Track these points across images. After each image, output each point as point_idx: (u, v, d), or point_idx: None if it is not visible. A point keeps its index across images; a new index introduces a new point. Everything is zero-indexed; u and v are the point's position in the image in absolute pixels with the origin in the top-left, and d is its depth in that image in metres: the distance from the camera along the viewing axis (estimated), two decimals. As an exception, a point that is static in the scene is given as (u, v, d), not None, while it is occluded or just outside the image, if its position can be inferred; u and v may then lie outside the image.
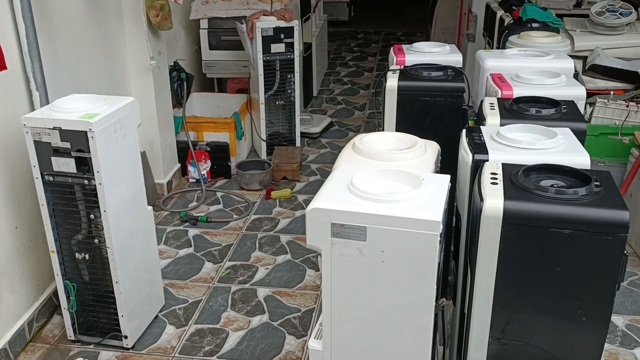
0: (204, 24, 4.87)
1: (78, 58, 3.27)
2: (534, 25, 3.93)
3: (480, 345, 1.69)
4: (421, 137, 2.14)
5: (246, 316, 2.96)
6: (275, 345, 2.76)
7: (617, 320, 2.89)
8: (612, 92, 3.81)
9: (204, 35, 4.91)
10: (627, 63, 3.96)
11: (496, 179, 1.65)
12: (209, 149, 4.42)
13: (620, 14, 4.05)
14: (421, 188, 1.66)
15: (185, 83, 4.45)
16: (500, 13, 4.55)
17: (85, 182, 2.41)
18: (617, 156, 3.70)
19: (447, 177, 1.79)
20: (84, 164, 2.38)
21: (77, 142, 2.34)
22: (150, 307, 2.89)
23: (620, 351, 2.68)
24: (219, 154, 4.44)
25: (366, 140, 2.07)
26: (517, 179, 1.63)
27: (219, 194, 4.25)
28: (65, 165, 2.38)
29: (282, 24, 4.44)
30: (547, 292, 1.58)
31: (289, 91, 4.71)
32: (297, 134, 4.84)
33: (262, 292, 3.15)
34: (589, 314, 1.56)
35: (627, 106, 3.64)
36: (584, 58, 4.14)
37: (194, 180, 4.40)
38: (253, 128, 4.84)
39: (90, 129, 2.30)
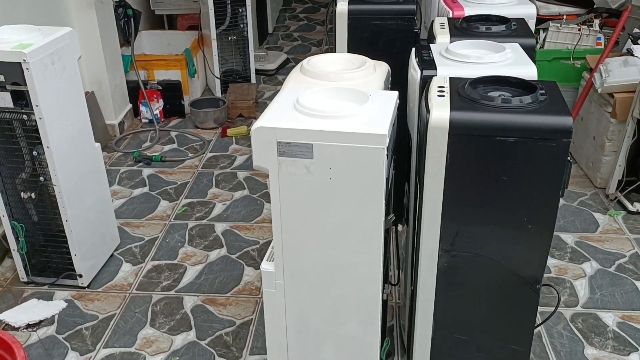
0: (148, -44, 4.64)
1: (11, -10, 3.08)
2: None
3: (430, 258, 1.70)
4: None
5: (204, 251, 2.94)
6: (234, 277, 2.76)
7: (567, 237, 2.98)
8: (564, 17, 3.80)
9: (149, -31, 4.69)
10: (580, -13, 3.95)
11: (443, 91, 1.63)
12: (160, 88, 4.29)
13: (574, -64, 4.00)
14: (368, 104, 1.63)
15: (132, 20, 4.26)
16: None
17: (25, 117, 2.31)
18: (570, 81, 3.73)
19: (395, 93, 1.76)
20: (22, 98, 2.27)
21: (11, 74, 2.22)
22: (104, 246, 2.84)
23: (570, 266, 2.78)
24: (171, 92, 4.32)
25: (314, 62, 2.02)
26: (463, 90, 1.61)
27: (173, 134, 4.16)
28: (0, 99, 2.26)
29: (231, -46, 4.26)
30: (494, 202, 1.59)
31: (242, 26, 4.57)
32: (252, 70, 4.73)
33: (219, 227, 3.13)
34: (534, 221, 1.59)
35: (579, 30, 3.64)
36: (538, -17, 4.11)
37: (147, 121, 4.28)
38: (206, 66, 4.71)
39: (24, 60, 2.18)
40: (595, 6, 3.88)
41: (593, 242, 2.95)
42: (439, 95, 1.61)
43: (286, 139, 1.56)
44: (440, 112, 1.53)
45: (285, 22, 6.54)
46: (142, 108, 4.27)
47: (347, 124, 1.55)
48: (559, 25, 3.69)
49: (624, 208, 3.18)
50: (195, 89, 4.55)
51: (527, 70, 1.80)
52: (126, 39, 4.27)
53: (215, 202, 3.34)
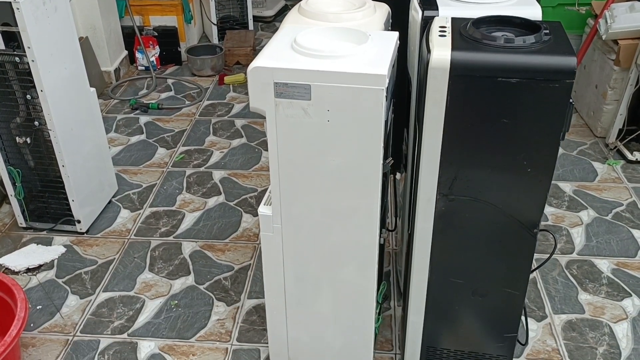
0: None
1: None
2: None
3: (428, 203, 1.69)
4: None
5: (202, 198, 2.94)
6: (232, 223, 2.77)
7: (565, 186, 2.98)
8: (571, -39, 3.69)
9: None
10: None
11: (444, 31, 1.59)
12: (156, 34, 4.21)
13: None
14: (367, 44, 1.59)
15: (125, -38, 4.14)
16: None
17: (17, 59, 2.26)
18: (574, 28, 3.66)
19: (395, 33, 1.71)
20: (13, 40, 2.22)
21: (1, 14, 2.16)
22: (102, 192, 2.84)
23: (567, 214, 2.78)
24: (167, 39, 4.24)
25: (313, 2, 1.96)
26: (466, 31, 1.56)
27: (169, 81, 4.10)
28: (-9, 41, 2.21)
29: None
30: (494, 145, 1.57)
31: (239, -30, 4.45)
32: (250, 16, 4.63)
33: (217, 175, 3.12)
34: (534, 165, 1.57)
35: (586, -26, 3.54)
36: None
37: (143, 68, 4.22)
38: (203, 12, 4.60)
39: (14, 0, 2.12)
40: (602, -50, 3.76)
41: (591, 190, 2.94)
42: (440, 35, 1.57)
43: (283, 79, 1.53)
44: (441, 52, 1.49)
45: (284, -33, 6.36)
46: (138, 55, 4.20)
47: (346, 64, 1.52)
48: (564, -31, 3.58)
49: (623, 157, 3.17)
50: (191, 36, 4.46)
51: (532, 11, 1.75)
52: (120, -18, 4.16)
53: (212, 150, 3.32)
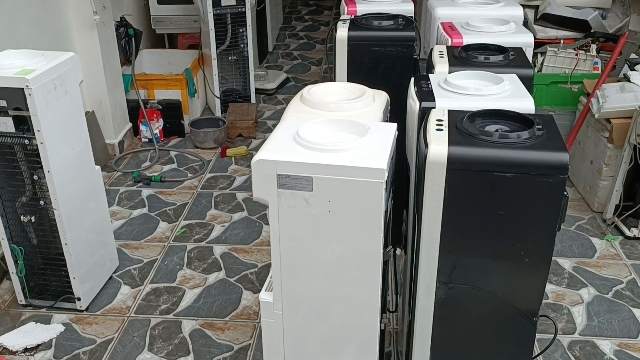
0: (151, -23, 4.69)
1: (14, 13, 3.11)
2: (486, -27, 3.89)
3: (428, 290, 1.71)
4: (373, 87, 2.11)
5: (202, 274, 2.95)
6: (232, 300, 2.76)
7: (565, 263, 2.99)
8: (562, 41, 3.84)
9: (151, -11, 4.73)
10: (577, 12, 3.99)
11: (441, 125, 1.65)
12: (160, 107, 4.31)
13: (571, -39, 4.05)
14: (367, 137, 1.64)
15: (133, 39, 4.29)
16: (453, -38, 4.49)
17: (26, 141, 2.32)
18: (567, 104, 3.76)
19: (394, 125, 1.78)
20: (23, 123, 2.29)
21: (14, 99, 2.24)
22: (103, 268, 2.85)
23: (567, 292, 2.78)
24: (171, 112, 4.34)
25: (314, 91, 2.04)
26: (462, 124, 1.63)
27: (172, 153, 4.18)
28: (2, 124, 2.28)
29: (232, -25, 4.31)
30: (491, 235, 1.60)
31: (242, 46, 4.61)
32: (252, 90, 4.76)
33: (218, 250, 3.13)
34: (531, 255, 1.60)
35: (576, 55, 3.68)
36: (536, 7, 4.15)
37: (147, 140, 4.30)
38: (206, 85, 4.74)
39: (27, 86, 2.20)
40: (592, 30, 3.92)
41: (590, 267, 2.96)
42: (437, 129, 1.63)
43: (286, 171, 1.58)
44: (438, 147, 1.55)
45: (285, 40, 6.59)
46: (142, 127, 4.29)
47: (347, 157, 1.57)
48: (556, 49, 3.72)
49: (621, 233, 3.19)
50: (195, 109, 4.57)
51: (525, 103, 1.82)
52: (127, 58, 4.31)
53: (214, 224, 3.35)
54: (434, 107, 1.82)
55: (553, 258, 2.97)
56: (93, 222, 2.72)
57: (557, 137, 1.57)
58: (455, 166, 1.53)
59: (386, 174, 1.54)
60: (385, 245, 1.70)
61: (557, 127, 1.62)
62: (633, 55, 3.59)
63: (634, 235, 3.14)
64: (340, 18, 2.86)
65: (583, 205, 3.48)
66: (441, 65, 2.19)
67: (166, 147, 4.26)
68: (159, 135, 4.31)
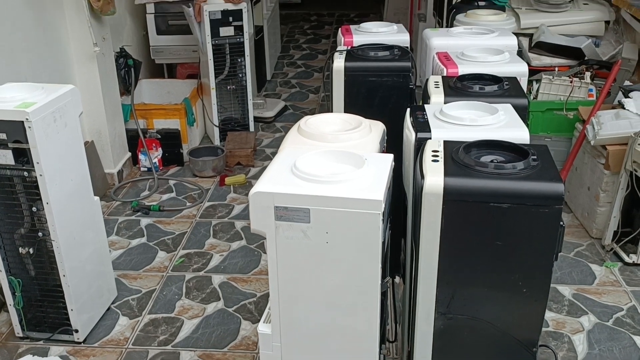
0: (150, 8, 4.75)
1: (15, 46, 3.15)
2: (481, 3, 3.96)
3: (427, 321, 1.71)
4: (370, 117, 2.13)
5: (201, 304, 2.94)
6: (230, 331, 2.75)
7: (564, 290, 2.98)
8: (556, 69, 3.88)
9: (150, 20, 4.79)
10: (571, 40, 4.05)
11: (437, 156, 1.66)
12: (159, 137, 4.34)
13: (563, -9, 4.12)
14: (364, 168, 1.66)
15: (132, 70, 4.34)
16: (448, -8, 4.57)
17: (25, 173, 2.34)
18: (563, 131, 3.78)
19: (390, 156, 1.79)
20: (23, 155, 2.30)
21: (14, 132, 2.25)
22: (101, 299, 2.83)
23: (567, 320, 2.77)
24: (170, 141, 4.37)
25: (311, 122, 2.06)
26: (457, 155, 1.64)
27: (171, 182, 4.19)
28: (2, 157, 2.30)
29: (230, 6, 4.37)
30: (489, 266, 1.61)
31: (240, 75, 4.65)
32: (251, 118, 4.79)
33: (217, 279, 3.12)
34: (529, 285, 1.60)
35: (571, 82, 3.72)
36: (530, 35, 4.21)
37: (146, 169, 4.32)
38: (205, 114, 4.77)
39: (27, 119, 2.22)
40: (586, 58, 3.97)
41: (590, 294, 2.95)
42: (433, 160, 1.64)
43: (283, 203, 1.59)
44: (434, 178, 1.56)
45: (284, 68, 6.66)
46: (141, 156, 4.31)
47: (344, 189, 1.58)
48: (551, 77, 3.76)
49: (620, 259, 3.19)
50: (194, 137, 4.60)
51: (520, 133, 1.84)
52: (126, 88, 4.35)
53: (212, 253, 3.34)
54: (430, 138, 1.84)
55: (553, 285, 2.99)
56: (91, 252, 2.72)
57: (552, 167, 1.58)
58: (452, 197, 1.54)
59: (383, 205, 1.55)
60: (384, 276, 1.70)
61: (552, 157, 1.64)
62: (627, 82, 3.63)
63: (633, 261, 3.14)
64: (337, 49, 2.90)
65: (582, 232, 3.48)
66: (437, 95, 2.22)
67: (165, 176, 4.28)
68: (158, 164, 4.32)
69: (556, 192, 1.49)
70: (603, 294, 2.95)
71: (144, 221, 3.68)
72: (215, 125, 4.64)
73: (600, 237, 3.35)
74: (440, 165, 1.61)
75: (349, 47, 2.91)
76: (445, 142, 1.76)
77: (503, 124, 1.91)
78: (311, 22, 8.67)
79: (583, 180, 3.50)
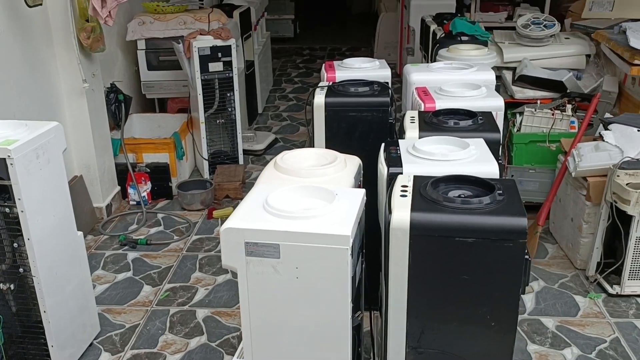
0: (141, 44, 4.84)
1: (3, 82, 3.21)
2: (463, 38, 4.05)
3: (398, 355, 1.72)
4: (350, 151, 2.17)
5: (184, 338, 2.93)
6: (212, 366, 2.74)
7: (548, 322, 2.98)
8: (539, 101, 3.94)
9: (141, 56, 4.87)
10: (553, 73, 4.12)
11: (406, 191, 1.69)
12: (148, 170, 4.37)
13: (545, 26, 4.21)
14: (334, 203, 1.69)
15: (123, 105, 4.40)
16: (433, 27, 4.68)
17: (7, 210, 2.36)
18: (547, 162, 3.83)
19: (362, 191, 1.82)
20: (4, 192, 2.33)
21: (-5, 170, 2.29)
22: (83, 334, 2.83)
23: (550, 352, 2.76)
24: (159, 174, 4.40)
25: (287, 158, 2.10)
26: (425, 191, 1.67)
27: (160, 216, 4.21)
28: (-16, 193, 2.32)
29: (219, 42, 4.46)
30: (457, 299, 1.62)
31: (230, 109, 4.72)
32: (240, 151, 4.84)
33: (201, 313, 3.12)
34: (497, 319, 1.61)
35: (553, 114, 3.78)
36: (514, 69, 4.29)
37: (135, 203, 4.34)
38: (195, 147, 4.82)
39: (9, 156, 2.25)
40: (568, 90, 4.03)
41: (574, 326, 2.95)
42: (401, 195, 1.67)
43: (254, 239, 1.61)
44: (401, 213, 1.59)
45: (275, 102, 6.75)
46: (130, 190, 4.34)
47: (313, 224, 1.61)
48: (533, 109, 3.83)
49: (604, 290, 3.19)
50: (183, 171, 4.64)
51: (489, 168, 1.88)
52: (117, 122, 4.40)
53: (197, 287, 3.35)
54: (401, 173, 1.88)
55: (536, 317, 2.99)
56: (74, 288, 2.72)
57: (517, 201, 1.61)
58: (418, 232, 1.57)
59: (351, 240, 1.57)
60: (355, 310, 1.72)
61: (518, 192, 1.67)
62: (607, 115, 3.69)
63: (617, 292, 3.15)
64: (319, 84, 2.96)
65: (566, 263, 3.49)
66: (411, 130, 2.26)
67: (154, 209, 4.30)
68: (147, 197, 4.35)
69: (519, 226, 1.52)
70: (587, 326, 2.95)
71: (131, 255, 3.69)
72: (205, 159, 4.69)
73: (585, 268, 3.36)
74: (408, 200, 1.64)
75: (331, 83, 2.97)
76: (415, 177, 1.79)
77: (474, 158, 1.95)
78: (303, 55, 8.81)
79: (567, 211, 3.53)
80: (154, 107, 5.32)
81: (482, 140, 2.09)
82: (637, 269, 3.12)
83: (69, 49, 3.68)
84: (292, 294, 1.64)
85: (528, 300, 3.15)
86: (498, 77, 4.36)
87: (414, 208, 1.60)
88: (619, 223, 3.05)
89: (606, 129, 3.41)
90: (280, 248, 1.60)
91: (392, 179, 1.86)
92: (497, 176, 1.84)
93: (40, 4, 3.17)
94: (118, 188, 4.36)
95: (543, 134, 3.79)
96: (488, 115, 2.38)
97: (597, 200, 3.19)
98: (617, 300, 3.13)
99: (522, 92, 4.13)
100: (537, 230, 3.53)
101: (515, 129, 3.91)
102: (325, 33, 10.23)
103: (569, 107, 3.83)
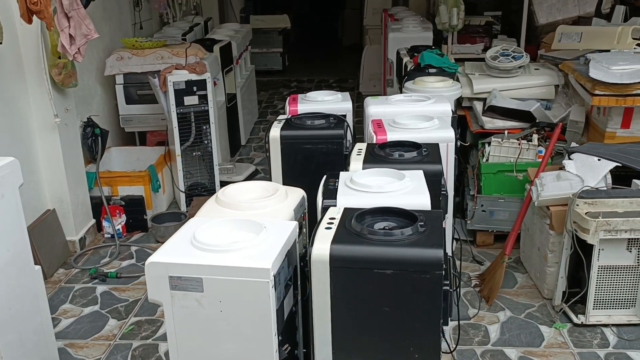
0: (119, 79, 4.91)
1: (-29, 119, 3.26)
2: (431, 70, 4.10)
3: (327, 389, 1.71)
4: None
5: (143, 373, 2.91)
6: (168, 401, 2.71)
7: (511, 353, 2.96)
8: (506, 132, 3.97)
9: (120, 91, 4.93)
10: (521, 103, 4.15)
11: (332, 224, 1.71)
12: (123, 203, 4.40)
13: (513, 57, 4.27)
14: (260, 236, 1.70)
15: (99, 138, 4.45)
16: (405, 59, 4.74)
17: (-42, 245, 2.38)
18: (515, 192, 3.84)
19: (294, 223, 1.84)
20: (-45, 227, 2.35)
21: (-55, 205, 2.31)
22: (41, 370, 2.81)
23: (509, 384, 2.74)
24: (134, 207, 4.42)
25: (229, 191, 2.12)
26: (349, 223, 1.69)
27: (133, 249, 4.22)
28: None
29: (194, 77, 4.52)
30: (380, 332, 1.62)
31: (206, 142, 4.76)
32: (217, 183, 4.87)
33: (163, 347, 3.10)
34: (420, 350, 1.61)
35: (519, 144, 3.80)
36: (484, 100, 4.33)
37: (109, 236, 4.35)
38: (173, 180, 4.85)
39: (-42, 192, 2.28)
40: (537, 120, 4.07)
41: (537, 357, 2.92)
42: (326, 228, 1.69)
43: (177, 273, 1.63)
44: (321, 245, 1.60)
45: (259, 133, 6.80)
46: (105, 223, 4.36)
47: (235, 257, 1.62)
48: (500, 140, 3.85)
49: (570, 320, 3.17)
50: (160, 203, 4.66)
51: (421, 199, 1.89)
52: (93, 156, 4.44)
53: (162, 320, 3.33)
54: (335, 206, 1.89)
55: (499, 348, 2.97)
56: (31, 324, 2.72)
57: (437, 233, 1.63)
58: (337, 264, 1.58)
59: (271, 273, 1.58)
60: (283, 343, 1.71)
61: (441, 223, 1.68)
62: (573, 144, 3.71)
63: (582, 322, 3.13)
64: (277, 118, 3.00)
65: (534, 292, 3.48)
66: (355, 162, 2.29)
67: (128, 242, 4.31)
68: (121, 230, 4.36)
69: (435, 257, 1.53)
70: (550, 357, 2.92)
71: (100, 288, 3.69)
72: (182, 191, 4.71)
73: (552, 298, 3.34)
74: (330, 233, 1.65)
75: (289, 116, 3.01)
76: (345, 209, 1.81)
77: (408, 190, 1.97)
78: (291, 88, 8.90)
79: (534, 240, 3.53)
80: (134, 140, 5.37)
81: (420, 172, 2.11)
82: (601, 298, 3.10)
83: (40, 85, 3.74)
84: (217, 328, 1.65)
85: (493, 330, 3.13)
86: (469, 108, 4.42)
87: (335, 240, 1.61)
88: (581, 252, 3.05)
89: (569, 158, 3.43)
90: (203, 282, 1.61)
91: (325, 211, 1.88)
92: (428, 207, 1.86)
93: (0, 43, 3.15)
94: (93, 221, 4.37)
95: (510, 163, 3.81)
96: (433, 147, 2.41)
97: (560, 229, 3.20)
98: (582, 330, 3.11)
99: (492, 123, 4.16)
100: (504, 259, 3.53)
101: (485, 159, 3.94)
102: (315, 65, 10.36)
103: (535, 136, 3.86)
